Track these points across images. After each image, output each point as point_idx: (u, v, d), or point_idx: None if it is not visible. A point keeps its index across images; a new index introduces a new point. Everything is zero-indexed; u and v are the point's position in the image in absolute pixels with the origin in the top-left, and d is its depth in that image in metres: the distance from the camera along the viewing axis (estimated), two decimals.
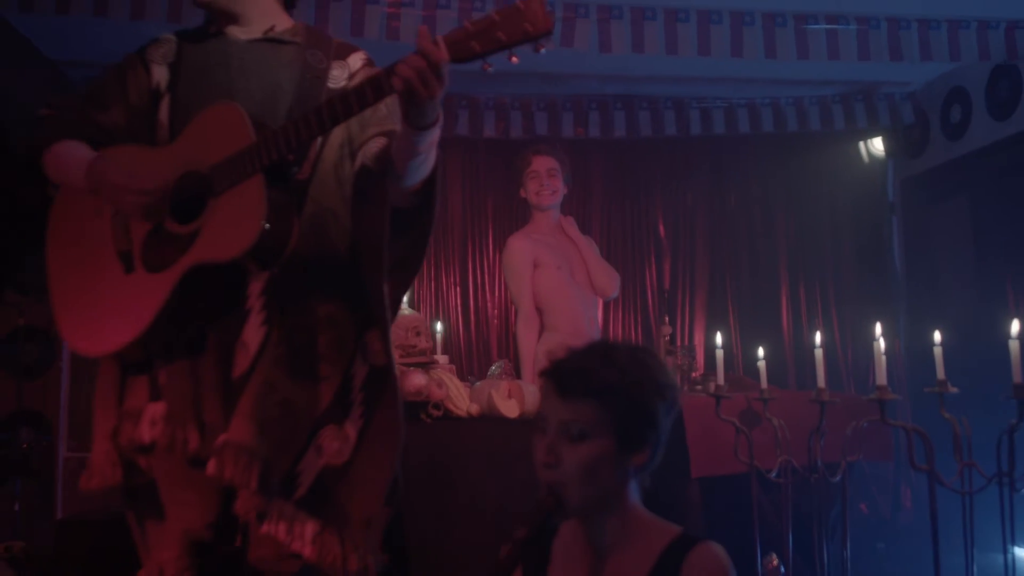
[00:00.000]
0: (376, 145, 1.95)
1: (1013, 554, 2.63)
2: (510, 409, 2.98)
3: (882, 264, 6.39)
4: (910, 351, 5.98)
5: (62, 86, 5.26)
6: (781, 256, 6.31)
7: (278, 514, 1.79)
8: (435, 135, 1.81)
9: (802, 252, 6.32)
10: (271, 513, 1.78)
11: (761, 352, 2.89)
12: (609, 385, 1.55)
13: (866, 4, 4.55)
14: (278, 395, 1.78)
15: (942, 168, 5.96)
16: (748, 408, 2.89)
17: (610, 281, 4.20)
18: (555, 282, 4.07)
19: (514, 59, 1.67)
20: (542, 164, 4.16)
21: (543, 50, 1.66)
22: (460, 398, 3.03)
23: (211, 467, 1.75)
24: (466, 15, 4.24)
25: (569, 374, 1.58)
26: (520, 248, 4.17)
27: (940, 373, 2.46)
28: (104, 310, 1.83)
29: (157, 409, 1.84)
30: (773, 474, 2.78)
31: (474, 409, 3.04)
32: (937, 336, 2.52)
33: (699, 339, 6.01)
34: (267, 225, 1.71)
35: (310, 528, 1.81)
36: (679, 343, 5.48)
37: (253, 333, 1.80)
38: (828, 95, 5.89)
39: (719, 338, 2.95)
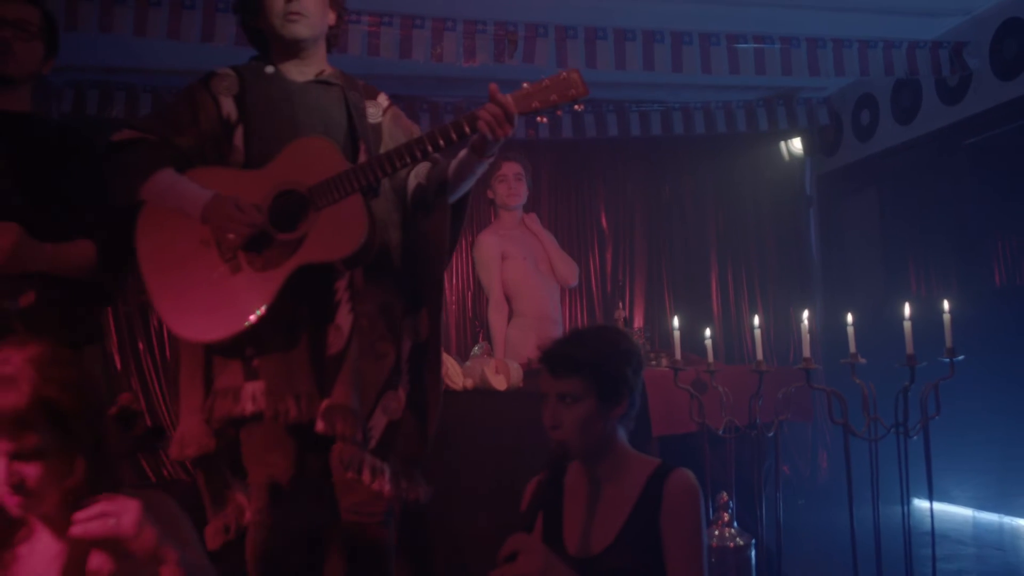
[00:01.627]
0: (424, 168, 2.46)
1: (911, 503, 3.25)
2: (500, 383, 3.51)
3: (800, 251, 7.07)
4: (826, 328, 6.64)
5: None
6: (711, 244, 6.94)
7: (363, 462, 2.29)
8: (484, 168, 2.36)
9: (730, 240, 6.96)
10: (357, 462, 2.28)
11: (708, 332, 3.46)
12: (584, 362, 2.10)
13: (788, 25, 5.16)
14: (358, 368, 2.28)
15: (853, 166, 6.64)
16: (698, 378, 3.47)
17: (570, 271, 4.72)
18: (521, 273, 4.58)
19: (559, 112, 2.23)
20: (510, 169, 4.65)
21: (579, 108, 2.24)
22: (456, 374, 3.54)
23: (319, 426, 2.24)
24: (438, 35, 4.73)
25: (556, 359, 2.12)
26: (489, 242, 4.65)
27: (852, 347, 3.06)
28: (213, 304, 2.27)
29: (257, 387, 2.31)
30: (720, 432, 3.37)
31: (468, 383, 3.55)
32: (849, 317, 3.12)
33: (639, 319, 6.61)
34: (368, 233, 2.22)
35: (386, 472, 2.32)
36: (635, 326, 6.07)
37: (344, 318, 2.29)
38: (753, 99, 6.51)
39: (676, 321, 3.52)
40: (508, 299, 4.59)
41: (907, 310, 2.95)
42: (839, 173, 6.81)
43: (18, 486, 1.58)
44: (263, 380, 2.30)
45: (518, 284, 4.58)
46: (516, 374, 3.59)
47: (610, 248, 6.81)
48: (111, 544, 1.59)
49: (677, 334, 3.33)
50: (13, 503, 1.61)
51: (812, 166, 7.08)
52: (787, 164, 7.07)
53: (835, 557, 3.86)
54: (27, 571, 1.68)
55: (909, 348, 2.90)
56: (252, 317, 2.24)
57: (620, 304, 4.83)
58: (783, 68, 5.17)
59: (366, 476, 2.28)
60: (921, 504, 4.39)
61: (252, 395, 2.30)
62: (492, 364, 3.58)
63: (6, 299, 2.30)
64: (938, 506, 4.84)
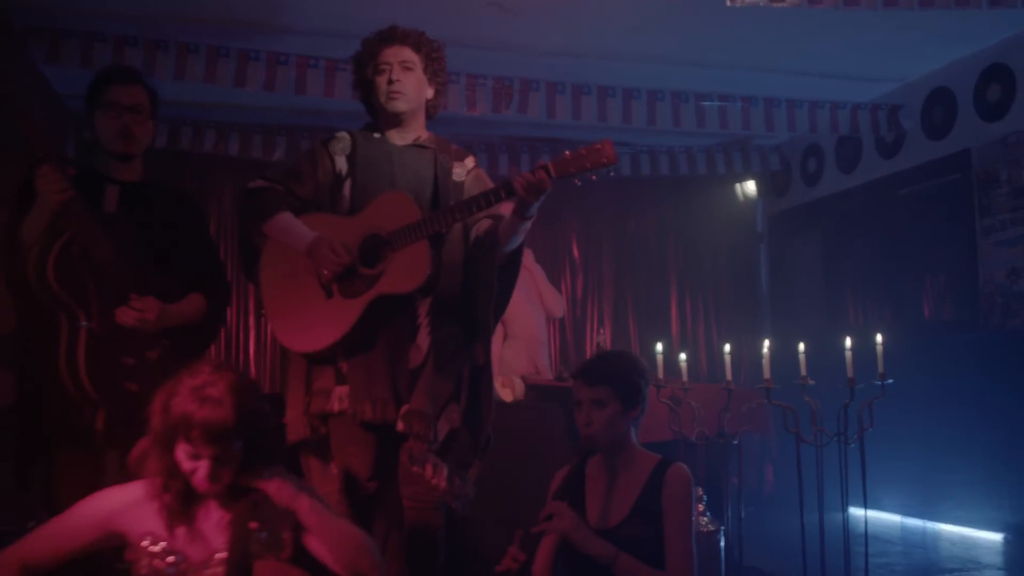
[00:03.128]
0: (484, 224, 3.03)
1: (848, 510, 3.90)
2: (506, 395, 4.11)
3: (751, 282, 7.79)
4: (772, 353, 7.32)
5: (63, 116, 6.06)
6: (671, 274, 7.64)
7: (428, 459, 2.86)
8: (530, 224, 2.93)
9: (688, 271, 7.66)
10: (423, 459, 2.85)
11: (684, 356, 4.10)
12: (612, 375, 2.73)
13: (747, 86, 5.86)
14: (432, 381, 2.87)
15: (800, 208, 7.38)
16: (674, 394, 4.10)
17: (556, 304, 5.33)
18: (515, 301, 5.16)
19: (593, 177, 2.79)
20: (507, 208, 5.25)
21: (611, 173, 2.82)
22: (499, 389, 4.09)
23: (400, 426, 2.81)
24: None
25: (591, 372, 2.76)
26: None
27: (803, 370, 3.71)
28: (311, 322, 2.84)
29: (343, 390, 2.88)
30: (693, 439, 4.00)
31: None
32: (801, 346, 3.79)
33: (607, 339, 7.25)
34: (431, 272, 2.81)
35: (444, 469, 2.90)
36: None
37: (423, 340, 2.87)
38: (712, 145, 7.21)
39: (659, 345, 4.15)
40: (502, 323, 5.19)
41: (848, 342, 3.62)
42: (788, 214, 7.54)
43: (214, 479, 2.15)
44: (349, 385, 2.88)
45: (511, 311, 5.16)
46: (520, 388, 4.20)
47: (581, 276, 7.46)
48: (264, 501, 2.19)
49: (660, 357, 3.96)
50: (204, 488, 2.17)
51: (763, 206, 7.82)
52: (741, 204, 7.80)
53: (785, 550, 4.50)
54: (204, 532, 2.23)
55: (850, 372, 3.57)
56: (338, 335, 2.83)
57: (600, 329, 5.48)
58: (743, 123, 5.88)
59: (428, 471, 2.86)
60: (856, 512, 5.06)
61: (339, 396, 2.88)
62: (499, 379, 4.19)
63: (146, 351, 2.87)
64: (871, 513, 5.56)
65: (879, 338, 3.58)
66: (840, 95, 6.08)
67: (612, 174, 2.85)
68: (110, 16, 4.88)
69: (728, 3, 3.61)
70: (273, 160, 6.46)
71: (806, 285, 7.35)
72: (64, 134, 6.18)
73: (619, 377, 2.74)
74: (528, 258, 5.40)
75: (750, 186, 7.77)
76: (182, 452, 2.12)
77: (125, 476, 2.70)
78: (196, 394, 2.11)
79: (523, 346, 5.06)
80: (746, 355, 7.27)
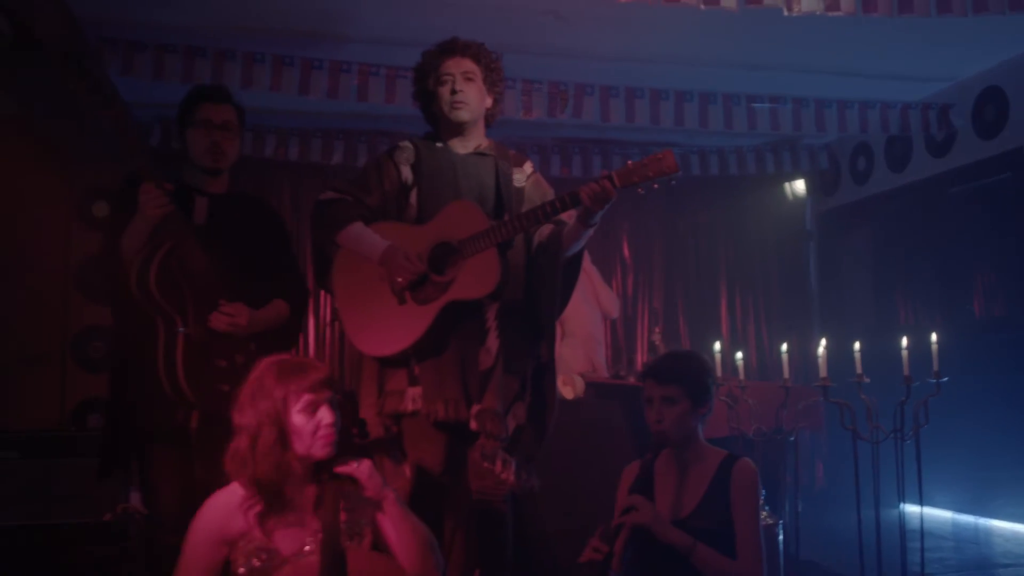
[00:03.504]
0: (547, 229, 3.15)
1: (904, 509, 3.98)
2: (567, 393, 4.24)
3: (800, 281, 7.85)
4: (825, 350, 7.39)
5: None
6: (721, 273, 7.72)
7: (498, 455, 3.00)
8: (592, 231, 3.05)
9: (738, 270, 7.73)
10: (494, 455, 2.99)
11: (740, 355, 4.21)
12: (682, 374, 2.85)
13: (798, 87, 5.93)
14: (501, 381, 3.00)
15: (850, 206, 7.42)
16: (731, 392, 4.20)
17: (612, 304, 5.45)
18: (572, 300, 5.30)
19: (655, 186, 2.90)
20: (569, 216, 5.38)
21: (673, 182, 2.92)
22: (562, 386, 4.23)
23: (472, 424, 2.95)
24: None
25: (662, 371, 2.88)
26: None
27: (859, 368, 3.81)
28: (385, 327, 2.98)
29: (416, 391, 3.02)
30: (750, 435, 4.11)
31: None
32: (857, 345, 3.88)
33: (657, 338, 7.34)
34: (501, 279, 2.94)
35: (512, 464, 3.04)
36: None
37: (493, 342, 3.01)
38: (761, 144, 7.28)
39: (717, 344, 4.25)
40: (560, 322, 5.31)
41: (904, 341, 3.71)
42: (837, 212, 7.59)
43: (336, 425, 2.35)
44: (422, 386, 3.03)
45: (569, 310, 5.29)
46: (580, 386, 4.33)
47: (631, 275, 7.57)
48: (351, 492, 2.35)
49: (718, 356, 4.07)
50: (328, 442, 2.34)
51: (812, 205, 7.87)
52: (790, 202, 7.86)
53: (839, 545, 4.59)
54: (290, 517, 2.39)
55: (906, 370, 3.66)
56: (412, 339, 2.97)
57: (654, 328, 5.60)
58: (794, 125, 5.95)
59: (498, 466, 3.00)
60: (909, 508, 5.14)
61: (412, 397, 3.03)
62: (560, 377, 4.32)
63: (236, 355, 3.04)
64: (928, 510, 5.61)
65: (934, 337, 3.67)
66: (891, 95, 6.13)
67: (673, 183, 2.94)
68: (180, 29, 5.07)
69: (785, 12, 3.70)
70: (331, 164, 6.64)
71: (855, 283, 7.40)
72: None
73: (689, 376, 2.87)
74: (585, 259, 5.47)
75: (799, 185, 7.83)
76: (299, 414, 2.31)
77: (212, 469, 2.89)
78: (283, 365, 2.35)
79: (581, 344, 5.18)
80: (796, 353, 7.32)
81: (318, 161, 6.61)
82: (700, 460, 2.87)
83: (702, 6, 3.58)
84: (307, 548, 2.32)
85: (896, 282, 6.89)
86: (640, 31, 5.22)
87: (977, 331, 6.06)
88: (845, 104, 6.01)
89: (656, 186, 2.94)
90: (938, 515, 6.01)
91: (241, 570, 2.29)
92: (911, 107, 6.14)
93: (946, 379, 3.63)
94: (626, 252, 7.61)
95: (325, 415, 2.32)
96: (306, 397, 2.31)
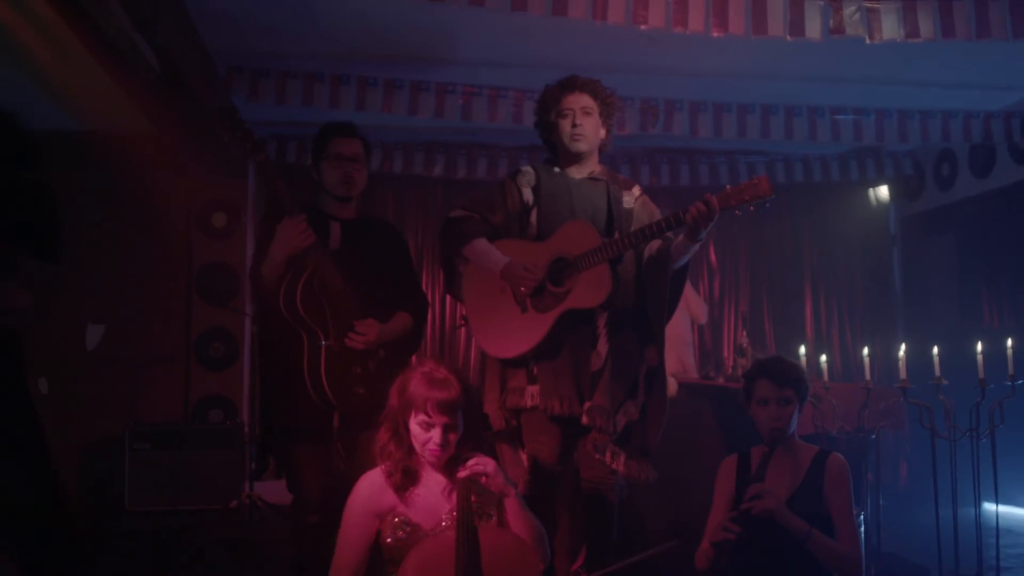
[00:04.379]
0: (656, 245, 3.48)
1: (982, 506, 4.20)
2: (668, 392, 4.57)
3: (885, 285, 8.01)
4: (907, 353, 7.56)
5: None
6: (806, 278, 7.94)
7: (608, 447, 3.35)
8: (698, 246, 3.37)
9: (822, 275, 7.94)
10: (604, 447, 3.34)
11: (824, 357, 4.48)
12: (796, 377, 3.16)
13: (881, 99, 6.15)
14: (611, 381, 3.36)
15: (934, 211, 7.58)
16: (815, 392, 4.47)
17: (701, 310, 5.74)
18: None
19: (751, 208, 3.21)
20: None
21: (767, 205, 3.23)
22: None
23: (584, 419, 3.31)
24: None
25: (781, 374, 3.17)
26: None
27: (937, 371, 4.05)
28: (508, 332, 3.36)
29: (534, 388, 3.39)
30: (833, 433, 4.37)
31: None
32: (936, 349, 4.12)
33: (745, 341, 7.60)
34: (612, 290, 3.30)
35: (622, 456, 3.39)
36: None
37: (603, 347, 3.37)
38: (845, 151, 7.48)
39: (803, 348, 4.53)
40: None
41: (979, 346, 3.95)
42: (921, 217, 7.75)
43: (444, 446, 2.70)
44: (539, 384, 3.39)
45: None
46: (673, 387, 4.65)
47: (718, 279, 7.85)
48: (479, 481, 2.71)
49: (804, 360, 4.36)
50: (434, 456, 2.71)
51: (896, 210, 8.03)
52: (874, 208, 8.03)
53: (920, 540, 4.82)
54: (428, 497, 2.77)
55: (981, 373, 3.90)
56: (533, 343, 3.35)
57: (742, 331, 5.88)
58: (877, 135, 6.17)
59: (608, 457, 3.35)
60: (991, 506, 5.33)
61: (531, 394, 3.40)
62: None
63: (369, 361, 3.44)
64: (1006, 508, 5.79)
65: (1009, 342, 3.90)
66: (973, 104, 6.29)
67: (768, 206, 3.25)
68: (300, 56, 5.53)
69: (867, 41, 3.97)
70: (432, 176, 7.07)
71: (939, 287, 7.54)
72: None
73: (799, 379, 3.18)
74: None
75: (883, 191, 7.99)
76: (417, 424, 2.68)
77: (351, 461, 3.31)
78: (427, 377, 2.68)
79: (672, 347, 5.47)
80: (879, 355, 7.50)
81: (420, 173, 7.04)
82: (796, 454, 3.17)
83: (788, 37, 3.88)
84: (444, 524, 2.70)
85: (980, 286, 7.02)
86: (727, 49, 5.49)
87: None
88: (927, 114, 6.20)
89: (752, 208, 3.24)
90: (1022, 514, 6.16)
91: (388, 540, 2.68)
92: (994, 116, 6.30)
93: (1021, 381, 3.86)
94: (713, 257, 7.88)
95: (435, 435, 2.66)
96: (422, 417, 2.67)
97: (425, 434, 2.69)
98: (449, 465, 2.77)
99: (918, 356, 4.52)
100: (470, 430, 2.80)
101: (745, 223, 7.88)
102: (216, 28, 5.10)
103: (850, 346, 7.82)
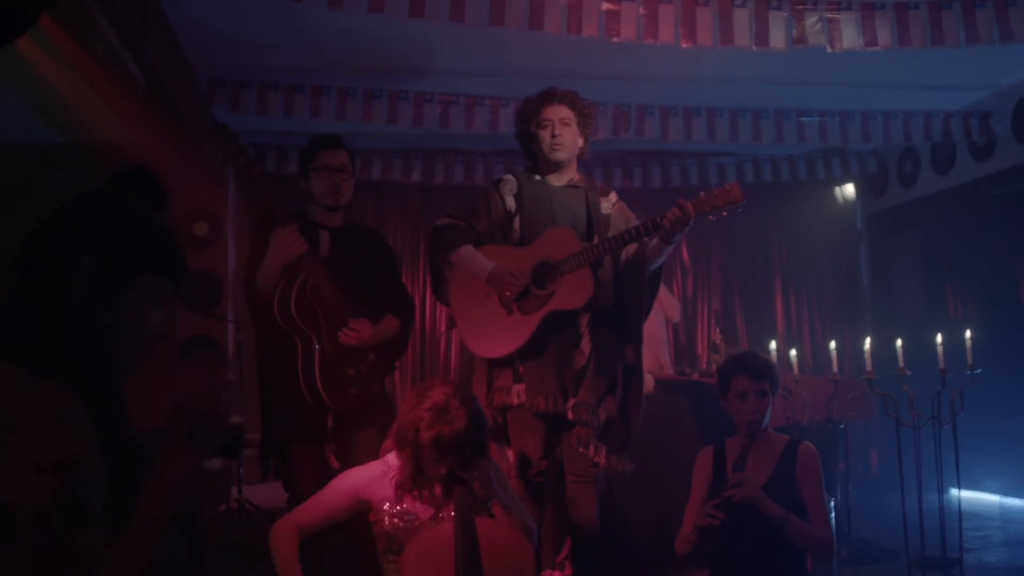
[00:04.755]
0: (632, 248, 3.65)
1: (947, 492, 4.40)
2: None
3: (852, 280, 8.25)
4: (874, 345, 7.80)
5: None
6: (776, 273, 8.16)
7: (591, 442, 3.52)
8: (672, 248, 3.55)
9: (792, 271, 8.16)
10: (587, 441, 3.51)
11: (794, 352, 4.68)
12: (770, 371, 3.34)
13: (844, 101, 6.36)
14: (593, 378, 3.53)
15: (898, 208, 7.81)
16: (786, 385, 4.66)
17: (674, 309, 5.93)
18: None
19: (724, 213, 3.40)
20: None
21: (739, 210, 3.42)
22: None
23: (570, 415, 3.47)
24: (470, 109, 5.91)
25: (756, 369, 3.34)
26: None
27: (901, 363, 4.25)
28: (495, 333, 3.52)
29: (520, 387, 3.55)
30: (804, 423, 4.57)
31: None
32: (899, 342, 4.32)
33: (718, 338, 7.80)
34: (594, 292, 3.46)
35: (603, 450, 3.55)
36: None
37: (586, 345, 3.53)
38: (811, 151, 7.68)
39: (773, 343, 4.73)
40: None
41: (939, 338, 4.16)
42: (886, 214, 7.99)
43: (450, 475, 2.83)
44: (525, 383, 3.56)
45: None
46: (650, 383, 4.83)
47: (691, 277, 8.05)
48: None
49: (775, 354, 4.55)
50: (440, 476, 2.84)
51: (862, 207, 8.27)
52: (841, 205, 8.27)
53: (889, 526, 5.03)
54: (428, 498, 2.90)
55: (941, 364, 4.11)
56: (518, 344, 3.51)
57: (715, 329, 6.08)
58: (841, 136, 6.40)
59: (591, 451, 3.52)
60: (955, 492, 5.56)
61: (517, 392, 3.56)
62: None
63: (360, 363, 3.59)
64: (973, 493, 6.03)
65: (968, 333, 4.11)
66: (933, 104, 6.53)
67: (740, 211, 3.44)
68: (280, 69, 5.67)
69: (828, 49, 4.16)
70: (411, 182, 7.22)
71: (905, 281, 7.78)
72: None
73: (774, 373, 3.37)
74: None
75: (848, 188, 8.23)
76: (428, 458, 2.74)
77: (345, 459, 3.45)
78: (439, 415, 2.72)
79: (648, 345, 5.64)
80: (849, 348, 7.72)
81: (399, 179, 7.18)
82: (769, 444, 3.36)
83: (754, 47, 4.06)
84: (441, 516, 2.85)
85: (945, 279, 7.26)
86: (697, 56, 5.67)
87: (1020, 324, 6.44)
88: (889, 115, 6.43)
89: (725, 214, 3.43)
90: (987, 499, 6.40)
91: (387, 526, 2.83)
92: (952, 116, 6.54)
93: (979, 371, 4.06)
94: (686, 257, 8.08)
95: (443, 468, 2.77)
96: (429, 455, 2.75)
97: (434, 468, 2.77)
98: (446, 474, 2.91)
99: (885, 348, 4.72)
100: (479, 449, 2.91)
101: (716, 223, 8.06)
102: (199, 43, 5.23)
103: (820, 340, 8.04)
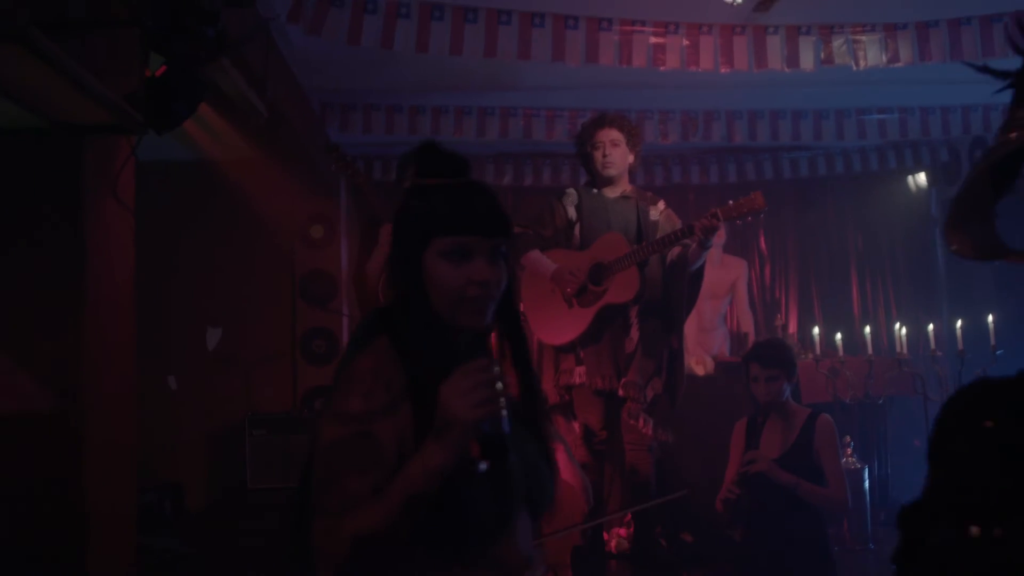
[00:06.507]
0: (676, 251, 4.26)
1: None
2: (700, 370, 5.34)
3: (928, 263, 8.57)
4: (949, 327, 8.14)
5: None
6: (851, 262, 8.54)
7: (640, 415, 4.15)
8: (708, 252, 4.13)
9: (867, 258, 8.53)
10: (637, 415, 4.14)
11: (839, 335, 5.18)
12: (781, 358, 3.91)
13: (904, 98, 6.74)
14: (642, 362, 4.16)
15: None
16: (832, 366, 5.18)
17: (747, 322, 6.52)
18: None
19: (749, 219, 3.97)
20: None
21: (762, 216, 3.98)
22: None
23: (620, 392, 4.12)
24: (640, 122, 6.51)
25: (765, 357, 3.92)
26: None
27: (932, 344, 4.74)
28: (559, 324, 4.20)
29: (581, 369, 4.22)
30: (847, 400, 5.08)
31: None
32: (931, 326, 4.81)
33: (793, 325, 8.25)
34: (640, 288, 4.09)
35: (651, 422, 4.18)
36: (789, 331, 7.75)
37: (635, 333, 4.18)
38: (883, 143, 8.03)
39: (816, 330, 5.24)
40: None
41: (959, 322, 4.64)
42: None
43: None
44: (585, 365, 4.21)
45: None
46: (710, 365, 5.41)
47: (768, 265, 8.51)
48: None
49: (817, 338, 5.07)
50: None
51: (937, 193, 8.56)
52: (914, 194, 8.58)
53: None
54: None
55: (960, 345, 4.59)
56: (578, 332, 4.16)
57: (778, 315, 6.59)
58: (900, 132, 6.78)
59: (640, 423, 4.15)
60: None
61: (579, 373, 4.22)
62: (694, 358, 5.42)
63: None
64: None
65: (990, 317, 4.57)
66: (990, 97, 6.83)
67: (762, 216, 4.00)
68: (382, 91, 6.40)
69: (854, 68, 4.64)
70: (503, 184, 7.89)
71: (979, 265, 8.04)
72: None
73: (784, 359, 3.93)
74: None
75: (921, 177, 8.52)
76: None
77: None
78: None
79: (705, 334, 6.24)
80: (923, 333, 8.03)
81: (492, 182, 7.85)
82: (791, 416, 3.93)
83: (786, 69, 4.58)
84: None
85: (1017, 266, 7.49)
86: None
87: None
88: (948, 110, 6.78)
89: (750, 219, 3.99)
90: None
91: None
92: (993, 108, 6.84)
93: (1000, 352, 4.53)
94: (763, 245, 8.54)
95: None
96: None
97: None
98: None
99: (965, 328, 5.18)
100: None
101: (792, 212, 8.52)
102: (311, 72, 5.99)
103: (894, 324, 8.37)
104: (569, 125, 6.43)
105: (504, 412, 1.55)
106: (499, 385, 1.56)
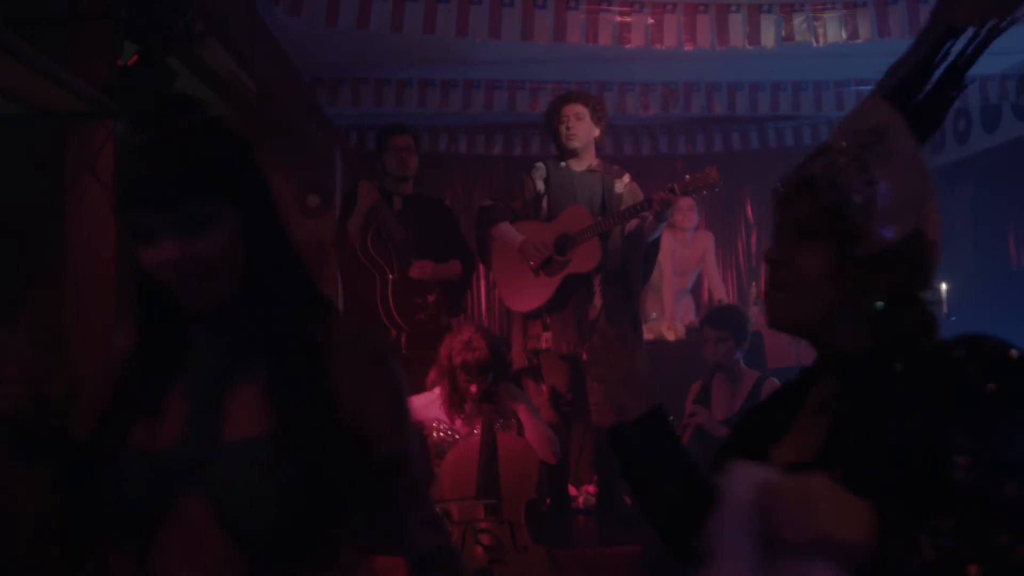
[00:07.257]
0: (633, 223, 4.46)
1: None
2: (670, 336, 5.56)
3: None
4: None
5: None
6: None
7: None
8: (664, 224, 4.33)
9: None
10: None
11: None
12: (730, 321, 4.12)
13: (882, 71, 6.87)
14: (605, 327, 4.37)
15: (953, 164, 8.27)
16: None
17: (718, 287, 6.68)
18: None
19: (704, 193, 4.17)
20: (685, 202, 6.54)
21: (716, 190, 4.19)
22: (668, 331, 5.61)
23: (585, 356, 4.32)
24: (622, 94, 6.68)
25: (715, 319, 4.14)
26: None
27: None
28: (526, 292, 4.41)
29: (548, 335, 4.44)
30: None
31: (649, 336, 5.62)
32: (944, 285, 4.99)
33: (753, 291, 8.43)
34: (602, 258, 4.30)
35: None
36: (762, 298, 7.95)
37: (598, 300, 4.40)
38: None
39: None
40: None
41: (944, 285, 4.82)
42: (940, 170, 8.42)
43: (480, 394, 3.75)
44: (551, 331, 4.43)
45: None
46: (680, 331, 5.63)
47: (755, 233, 8.69)
48: (502, 401, 3.77)
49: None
50: (475, 396, 3.76)
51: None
52: None
53: None
54: (469, 420, 3.84)
55: (945, 308, 4.77)
56: (544, 300, 4.38)
57: (754, 283, 6.79)
58: None
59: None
60: None
61: (545, 339, 4.44)
62: (664, 324, 5.63)
63: (428, 295, 4.54)
64: None
65: (943, 285, 4.76)
66: (976, 70, 6.94)
67: (717, 191, 4.19)
68: (371, 65, 6.57)
69: (814, 44, 4.80)
70: (493, 154, 8.08)
71: (959, 233, 8.21)
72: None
73: (734, 323, 4.14)
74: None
75: None
76: (461, 379, 3.74)
77: (416, 376, 4.37)
78: (466, 346, 3.71)
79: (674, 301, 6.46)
80: None
81: (483, 152, 8.04)
82: (741, 380, 4.15)
83: (748, 46, 4.74)
84: (475, 432, 3.77)
85: (1001, 237, 7.72)
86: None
87: None
88: None
89: (705, 193, 4.20)
90: None
91: (436, 436, 3.79)
92: (989, 80, 6.97)
93: (953, 318, 4.71)
94: (749, 213, 8.71)
95: (473, 386, 3.76)
96: (462, 376, 3.75)
97: (466, 384, 3.76)
98: (479, 395, 3.84)
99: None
100: (503, 374, 3.86)
101: (778, 179, 8.65)
102: (301, 48, 6.18)
103: None
104: (552, 97, 6.58)
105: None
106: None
